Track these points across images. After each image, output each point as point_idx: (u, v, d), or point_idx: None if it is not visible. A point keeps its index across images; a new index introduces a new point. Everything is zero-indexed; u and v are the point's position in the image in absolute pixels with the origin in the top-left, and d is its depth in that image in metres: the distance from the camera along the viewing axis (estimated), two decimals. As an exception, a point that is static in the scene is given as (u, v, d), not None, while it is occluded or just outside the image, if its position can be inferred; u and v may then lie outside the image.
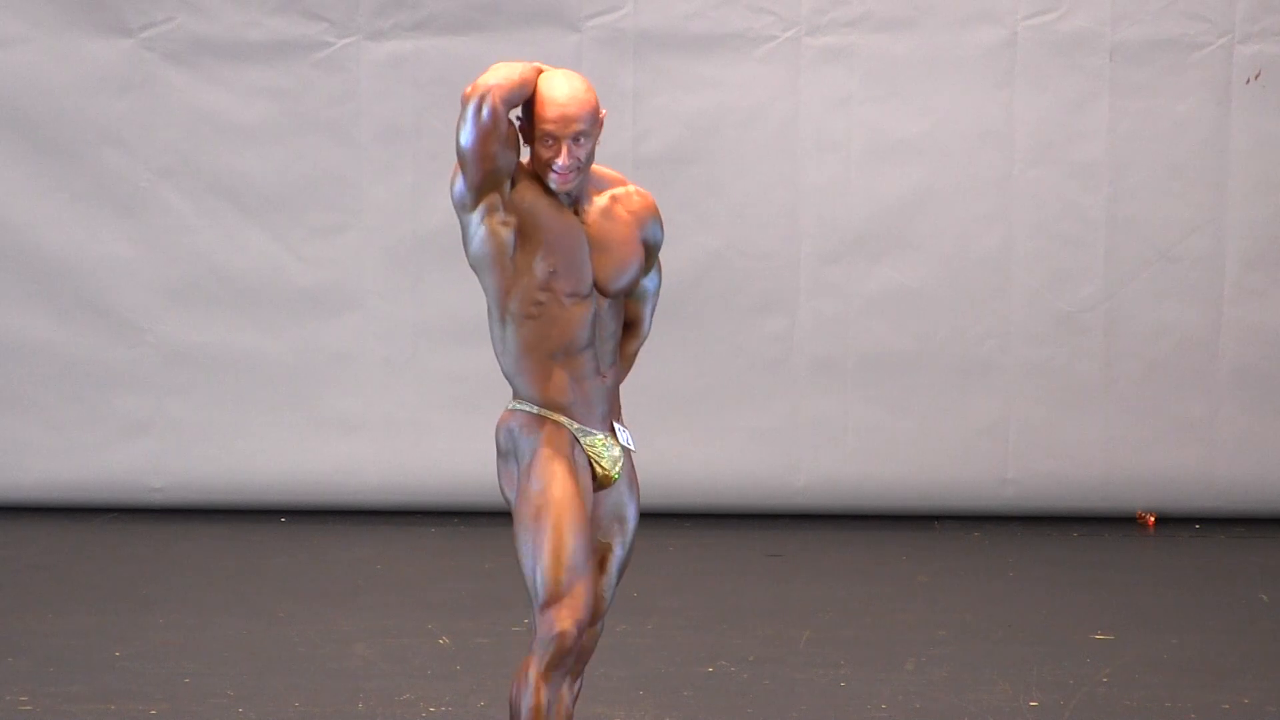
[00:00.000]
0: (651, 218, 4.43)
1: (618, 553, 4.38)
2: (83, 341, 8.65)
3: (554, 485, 4.21)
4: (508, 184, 4.18)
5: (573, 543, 4.18)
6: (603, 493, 4.35)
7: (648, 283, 4.52)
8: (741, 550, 8.08)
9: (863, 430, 8.55)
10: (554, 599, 4.17)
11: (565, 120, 4.13)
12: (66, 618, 6.85)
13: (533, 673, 4.18)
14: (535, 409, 4.26)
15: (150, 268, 8.62)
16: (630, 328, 4.52)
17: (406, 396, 8.64)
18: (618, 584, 4.41)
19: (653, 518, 8.50)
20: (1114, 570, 7.72)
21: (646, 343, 4.29)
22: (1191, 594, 7.33)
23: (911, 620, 6.84)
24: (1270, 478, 8.48)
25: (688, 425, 8.53)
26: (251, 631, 6.67)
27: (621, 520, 4.39)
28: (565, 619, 4.17)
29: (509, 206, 4.18)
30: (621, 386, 4.44)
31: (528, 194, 4.20)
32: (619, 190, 4.39)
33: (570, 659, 4.21)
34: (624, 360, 4.50)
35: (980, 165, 8.42)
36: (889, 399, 8.53)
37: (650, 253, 4.44)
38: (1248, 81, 8.31)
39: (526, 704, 4.18)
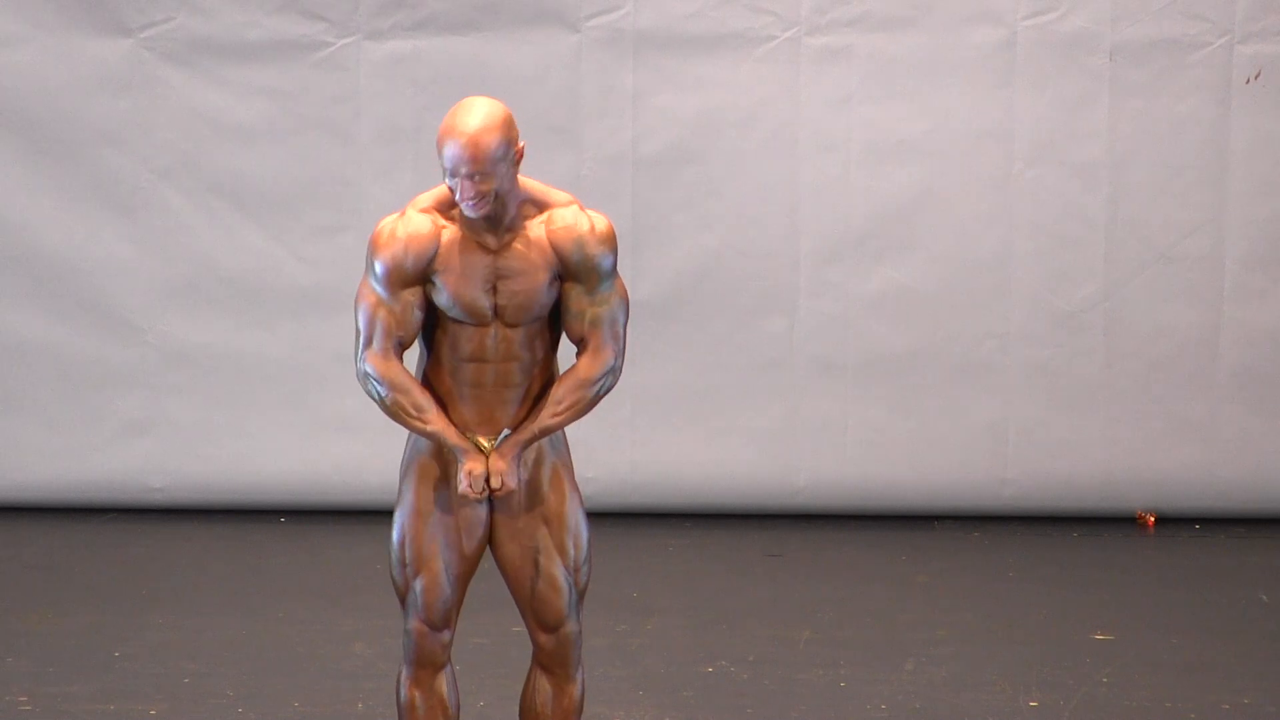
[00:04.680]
0: (570, 241, 4.15)
1: (553, 556, 4.31)
2: (83, 341, 8.64)
3: (408, 488, 4.36)
4: (425, 279, 4.31)
5: (414, 545, 4.31)
6: (511, 497, 4.31)
7: (592, 307, 4.22)
8: (741, 550, 8.07)
9: (863, 430, 8.54)
10: (400, 598, 4.35)
11: (458, 162, 4.03)
12: (66, 618, 6.84)
13: (401, 672, 4.39)
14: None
15: (150, 268, 8.62)
16: (580, 355, 4.25)
17: (406, 396, 8.63)
18: (577, 584, 4.35)
19: (653, 518, 8.60)
20: (1114, 570, 7.72)
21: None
22: (1191, 594, 7.32)
23: (911, 620, 6.84)
24: (1270, 478, 8.48)
25: (687, 425, 8.53)
26: (251, 631, 6.67)
27: (549, 519, 4.33)
28: (411, 618, 4.33)
29: (427, 291, 4.34)
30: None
31: (442, 252, 4.22)
32: (555, 211, 4.20)
33: (429, 657, 4.32)
34: (576, 388, 4.22)
35: (980, 165, 8.42)
36: (889, 399, 8.53)
37: (575, 276, 4.19)
38: (1248, 81, 8.31)
39: (399, 701, 4.38)
